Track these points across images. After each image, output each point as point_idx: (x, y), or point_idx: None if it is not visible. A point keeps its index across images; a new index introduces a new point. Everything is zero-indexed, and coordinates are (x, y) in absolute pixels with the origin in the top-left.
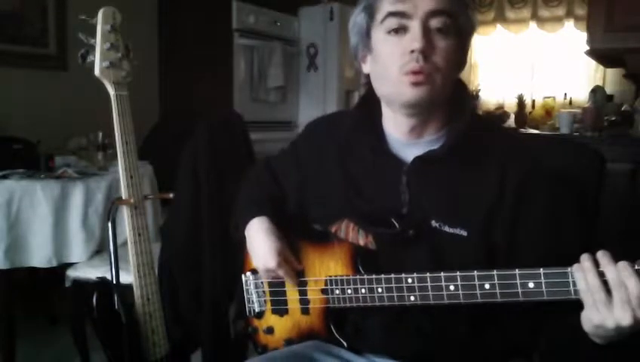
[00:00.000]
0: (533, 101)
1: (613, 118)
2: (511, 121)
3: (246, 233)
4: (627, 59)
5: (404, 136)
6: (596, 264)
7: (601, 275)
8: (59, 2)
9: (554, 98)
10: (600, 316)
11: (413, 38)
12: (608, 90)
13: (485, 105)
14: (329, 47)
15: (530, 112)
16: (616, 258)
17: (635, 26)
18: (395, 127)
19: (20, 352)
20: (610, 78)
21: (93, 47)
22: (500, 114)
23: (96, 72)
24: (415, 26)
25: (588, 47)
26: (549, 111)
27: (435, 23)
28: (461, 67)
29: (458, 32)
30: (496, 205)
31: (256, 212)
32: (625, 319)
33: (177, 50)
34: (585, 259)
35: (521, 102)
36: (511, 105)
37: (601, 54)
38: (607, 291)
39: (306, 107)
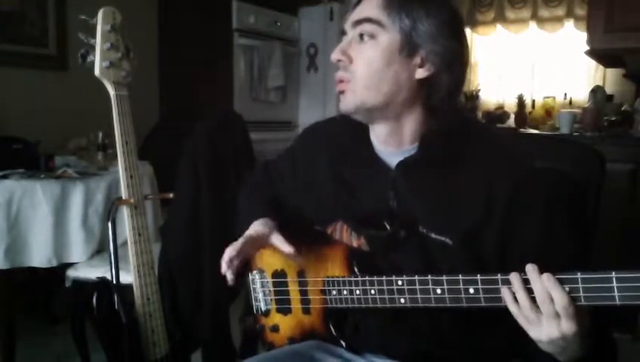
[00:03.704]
0: (533, 101)
1: (613, 118)
2: (511, 121)
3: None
4: (627, 59)
5: (384, 146)
6: (525, 281)
7: (530, 291)
8: (59, 2)
9: (554, 98)
10: (534, 332)
11: (335, 50)
12: (608, 90)
13: (485, 105)
14: (329, 47)
15: (530, 112)
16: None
17: (635, 26)
18: (375, 136)
19: (20, 352)
20: (610, 78)
21: (93, 47)
22: (499, 114)
23: (96, 72)
24: (344, 39)
25: (588, 47)
26: (549, 111)
27: (358, 31)
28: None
29: (393, 37)
30: (483, 219)
31: (258, 214)
32: (553, 332)
33: (177, 50)
34: (514, 278)
35: (521, 102)
36: (511, 105)
37: (601, 54)
38: (537, 307)
39: (306, 107)
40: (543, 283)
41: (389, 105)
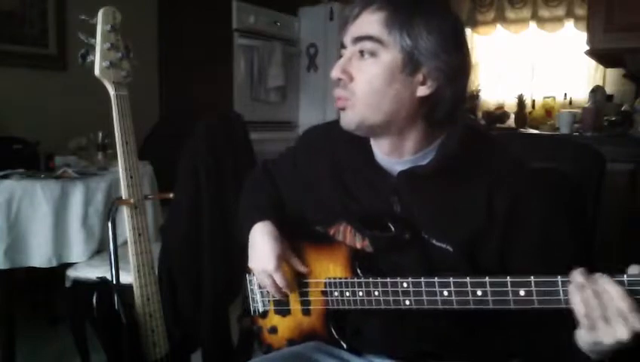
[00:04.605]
0: (533, 101)
1: (613, 118)
2: (511, 121)
3: (249, 237)
4: (627, 59)
5: (386, 156)
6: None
7: (595, 293)
8: (59, 2)
9: (554, 98)
10: (596, 333)
11: (334, 67)
12: (608, 90)
13: (485, 105)
14: (329, 47)
15: (530, 112)
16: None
17: (635, 26)
18: (377, 147)
19: (20, 352)
20: (610, 78)
21: (93, 47)
22: (499, 114)
23: (96, 72)
24: (344, 54)
25: (588, 47)
26: (549, 111)
27: (358, 48)
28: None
29: (394, 56)
30: (483, 229)
31: (259, 216)
32: (624, 334)
33: (177, 50)
34: (577, 276)
35: (521, 102)
36: (511, 105)
37: (601, 54)
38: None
39: (306, 107)
40: (604, 286)
41: (391, 123)
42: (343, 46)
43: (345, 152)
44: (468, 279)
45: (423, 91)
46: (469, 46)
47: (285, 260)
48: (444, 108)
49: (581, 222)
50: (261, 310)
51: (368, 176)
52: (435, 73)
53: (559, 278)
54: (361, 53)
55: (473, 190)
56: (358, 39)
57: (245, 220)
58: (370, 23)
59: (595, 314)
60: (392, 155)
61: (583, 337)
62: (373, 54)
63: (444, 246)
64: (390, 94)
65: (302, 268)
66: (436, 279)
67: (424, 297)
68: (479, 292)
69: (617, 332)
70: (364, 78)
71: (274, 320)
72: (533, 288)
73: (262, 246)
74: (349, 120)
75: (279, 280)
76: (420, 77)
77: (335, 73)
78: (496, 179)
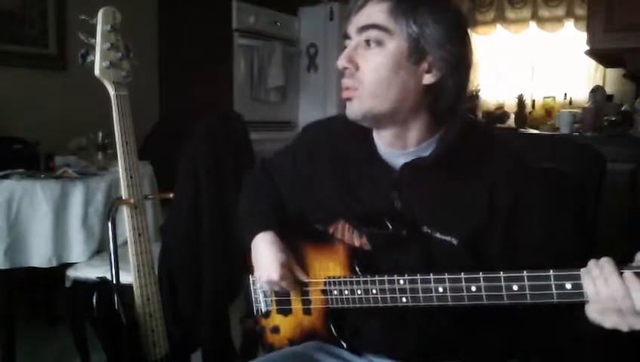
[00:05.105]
0: (533, 101)
1: (613, 118)
2: (511, 121)
3: (252, 246)
4: (627, 59)
5: (389, 148)
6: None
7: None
8: (59, 2)
9: (554, 98)
10: (610, 321)
11: (341, 57)
12: (608, 90)
13: (485, 105)
14: (329, 47)
15: (530, 112)
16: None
17: (635, 26)
18: (379, 139)
19: (20, 352)
20: (610, 78)
21: (93, 47)
22: (499, 114)
23: (97, 72)
24: (349, 44)
25: (588, 47)
26: (549, 111)
27: (363, 37)
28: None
29: (401, 44)
30: (485, 225)
31: (262, 226)
32: (637, 324)
33: (177, 50)
34: (592, 266)
35: (521, 102)
36: (511, 105)
37: (601, 54)
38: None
39: (306, 107)
40: (624, 282)
41: (396, 112)
42: (347, 37)
43: (346, 148)
44: (462, 275)
45: (428, 80)
46: (472, 46)
47: (289, 267)
48: (447, 99)
49: (582, 222)
50: (264, 310)
51: (369, 172)
52: (440, 62)
53: (552, 273)
54: (367, 42)
55: (474, 185)
56: (364, 28)
57: (248, 229)
58: (375, 12)
59: (609, 305)
60: (395, 147)
61: (599, 322)
62: (379, 43)
63: (448, 239)
64: (396, 82)
65: (303, 278)
66: (432, 276)
67: (420, 294)
68: (473, 288)
69: (633, 323)
70: (370, 67)
71: (276, 319)
72: (526, 283)
73: (266, 256)
74: (356, 110)
75: (285, 287)
76: (425, 65)
77: (341, 62)
78: (498, 176)
